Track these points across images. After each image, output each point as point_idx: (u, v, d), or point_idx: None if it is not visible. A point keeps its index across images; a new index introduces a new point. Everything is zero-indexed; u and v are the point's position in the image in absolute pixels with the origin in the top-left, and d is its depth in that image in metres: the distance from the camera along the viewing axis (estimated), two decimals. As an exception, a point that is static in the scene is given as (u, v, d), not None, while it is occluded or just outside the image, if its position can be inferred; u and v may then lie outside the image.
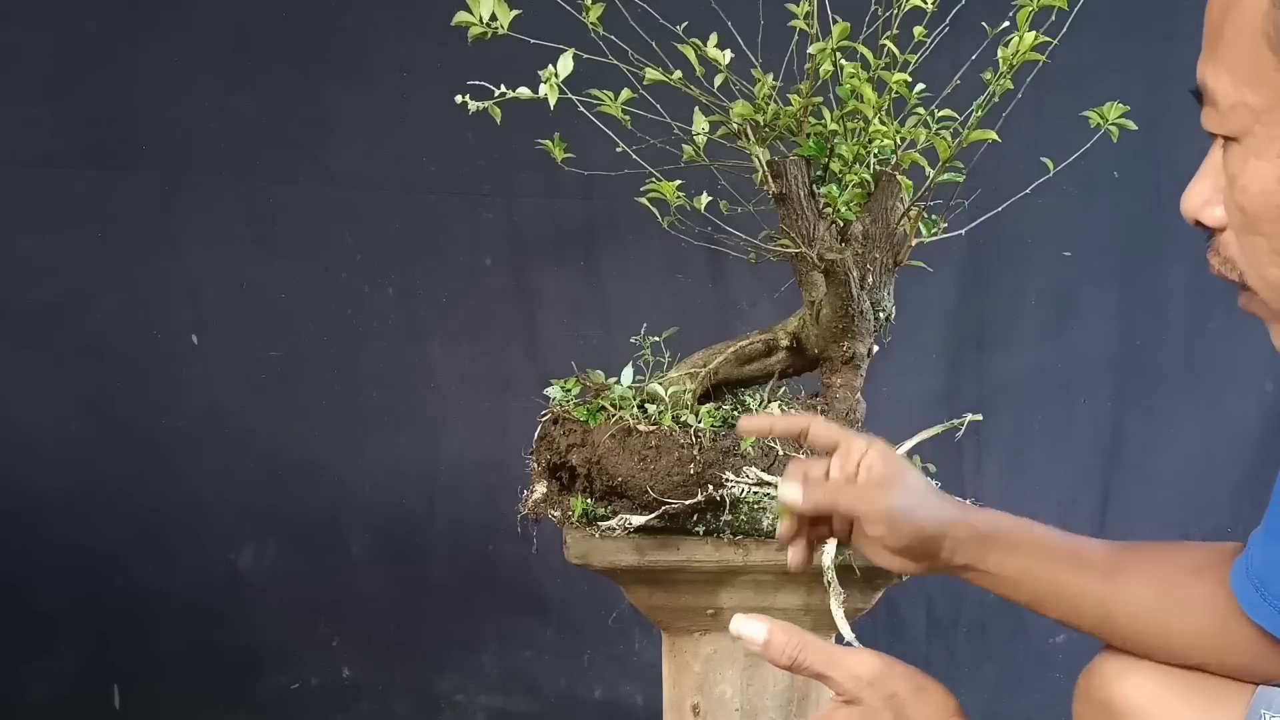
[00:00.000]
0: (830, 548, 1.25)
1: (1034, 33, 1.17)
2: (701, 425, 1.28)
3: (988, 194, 1.35)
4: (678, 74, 1.26)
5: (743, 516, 1.27)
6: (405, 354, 2.40)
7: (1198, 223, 0.82)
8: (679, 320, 1.40)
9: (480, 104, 1.20)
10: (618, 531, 1.26)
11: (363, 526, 2.41)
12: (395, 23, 2.32)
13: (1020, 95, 1.23)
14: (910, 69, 1.26)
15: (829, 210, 1.31)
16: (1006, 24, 1.19)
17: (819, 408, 1.37)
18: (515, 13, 1.15)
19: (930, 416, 1.43)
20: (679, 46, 1.25)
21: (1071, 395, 2.50)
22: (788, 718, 1.38)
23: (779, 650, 0.91)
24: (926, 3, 1.23)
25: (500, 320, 2.41)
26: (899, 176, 1.29)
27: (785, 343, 1.39)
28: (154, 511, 2.33)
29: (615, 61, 1.25)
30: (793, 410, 1.36)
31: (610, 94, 1.24)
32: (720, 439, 1.26)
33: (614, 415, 1.28)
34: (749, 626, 0.93)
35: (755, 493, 1.27)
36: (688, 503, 1.25)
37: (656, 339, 1.38)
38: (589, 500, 1.28)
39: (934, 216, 1.35)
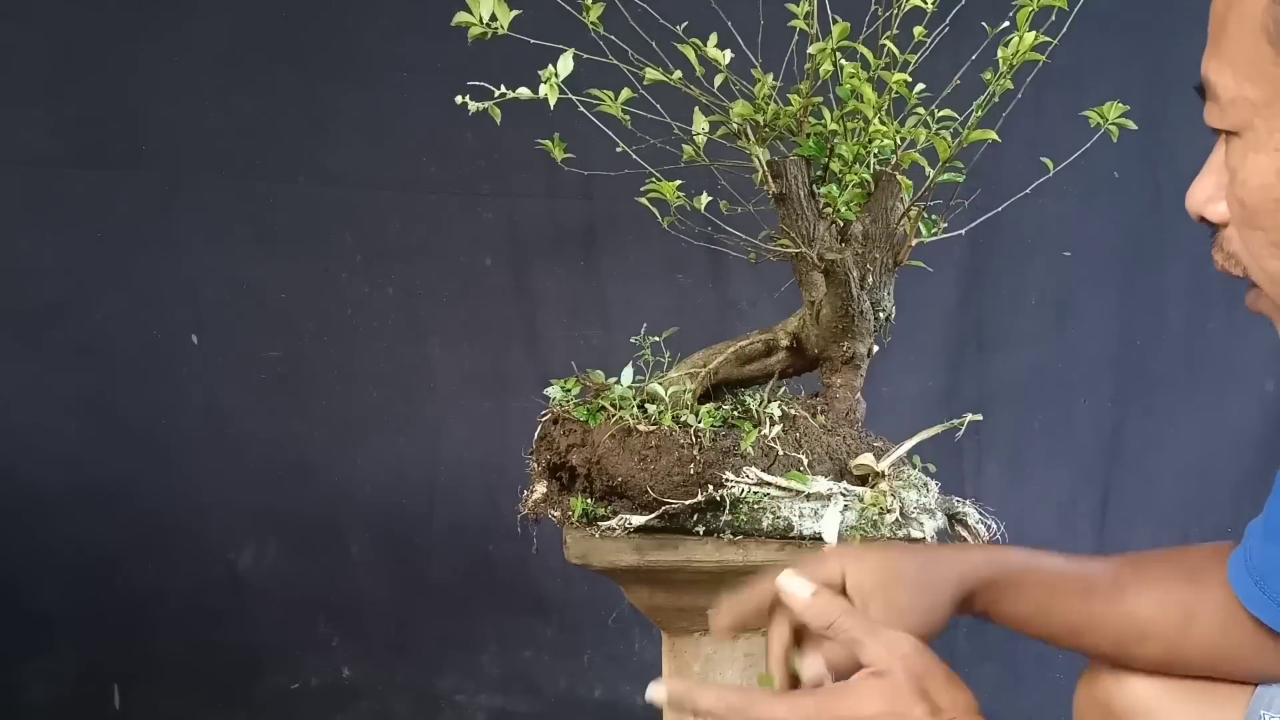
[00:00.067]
0: (830, 547, 1.25)
1: (1034, 33, 1.16)
2: (701, 425, 1.28)
3: (988, 194, 1.35)
4: (678, 74, 1.26)
5: (743, 516, 1.27)
6: (405, 354, 2.40)
7: (1202, 219, 0.82)
8: (679, 320, 1.39)
9: (480, 104, 1.20)
10: (618, 531, 1.26)
11: (362, 526, 2.41)
12: (395, 23, 2.32)
13: (1020, 95, 1.23)
14: (910, 69, 1.26)
15: (829, 210, 1.31)
16: (1006, 24, 1.19)
17: (819, 408, 1.37)
18: (515, 13, 1.15)
19: (930, 416, 1.43)
20: (679, 46, 1.25)
21: (1071, 395, 2.50)
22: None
23: (820, 610, 0.91)
24: (926, 3, 1.23)
25: (500, 320, 2.41)
26: (899, 176, 1.29)
27: (785, 343, 1.39)
28: (154, 512, 2.33)
29: (615, 61, 1.24)
30: (794, 413, 1.36)
31: (610, 94, 1.24)
32: (720, 439, 1.26)
33: (614, 415, 1.28)
34: (795, 584, 0.93)
35: (755, 493, 1.26)
36: (688, 503, 1.24)
37: (656, 339, 1.38)
38: (589, 500, 1.28)
39: (934, 216, 1.35)
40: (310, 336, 2.38)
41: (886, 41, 1.25)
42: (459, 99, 1.20)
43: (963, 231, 1.36)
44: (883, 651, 0.88)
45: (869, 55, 1.25)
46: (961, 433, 1.37)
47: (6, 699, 2.30)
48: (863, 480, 1.32)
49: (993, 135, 1.20)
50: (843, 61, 1.24)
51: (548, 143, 1.31)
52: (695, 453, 1.24)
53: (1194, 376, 2.48)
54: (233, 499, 2.35)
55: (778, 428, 1.31)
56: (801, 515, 1.26)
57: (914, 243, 1.34)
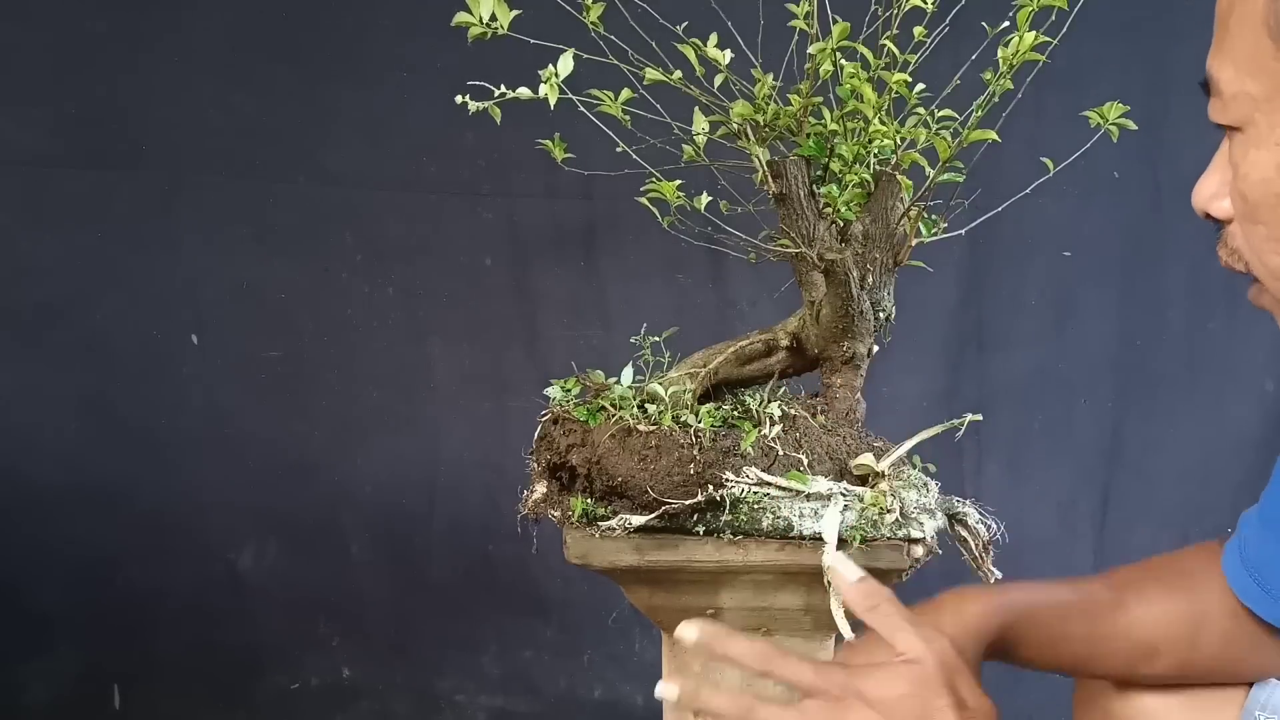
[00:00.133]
0: (830, 547, 1.25)
1: (1034, 33, 1.16)
2: (701, 425, 1.28)
3: (988, 194, 1.35)
4: (678, 74, 1.26)
5: (743, 516, 1.27)
6: (405, 354, 2.40)
7: (1208, 215, 0.83)
8: (679, 320, 1.39)
9: (480, 104, 1.20)
10: (618, 531, 1.26)
11: (363, 526, 2.41)
12: (395, 23, 2.32)
13: (1020, 95, 1.23)
14: (910, 69, 1.26)
15: (829, 210, 1.31)
16: (1006, 24, 1.19)
17: (819, 407, 1.37)
18: (515, 13, 1.15)
19: (930, 416, 1.43)
20: (679, 46, 1.25)
21: (1071, 395, 2.50)
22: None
23: (865, 593, 0.92)
24: (926, 3, 1.23)
25: (500, 320, 2.41)
26: (899, 176, 1.29)
27: (785, 343, 1.39)
28: (154, 512, 2.33)
29: (615, 61, 1.24)
30: (794, 413, 1.35)
31: (610, 94, 1.24)
32: (720, 439, 1.26)
33: (614, 415, 1.28)
34: (845, 565, 0.94)
35: (755, 493, 1.26)
36: (688, 503, 1.24)
37: (656, 339, 1.38)
38: (589, 500, 1.28)
39: (934, 216, 1.35)
40: (310, 336, 2.38)
41: (886, 41, 1.25)
42: (459, 99, 1.20)
43: (963, 231, 1.36)
44: (918, 641, 0.88)
45: (869, 55, 1.25)
46: (961, 433, 1.36)
47: (6, 699, 2.30)
48: (863, 480, 1.32)
49: (993, 135, 1.20)
50: (843, 61, 1.24)
51: (548, 143, 1.31)
52: (695, 453, 1.24)
53: (1194, 376, 2.48)
54: (233, 499, 2.35)
55: (778, 428, 1.31)
56: (801, 515, 1.26)
57: (914, 243, 1.34)
